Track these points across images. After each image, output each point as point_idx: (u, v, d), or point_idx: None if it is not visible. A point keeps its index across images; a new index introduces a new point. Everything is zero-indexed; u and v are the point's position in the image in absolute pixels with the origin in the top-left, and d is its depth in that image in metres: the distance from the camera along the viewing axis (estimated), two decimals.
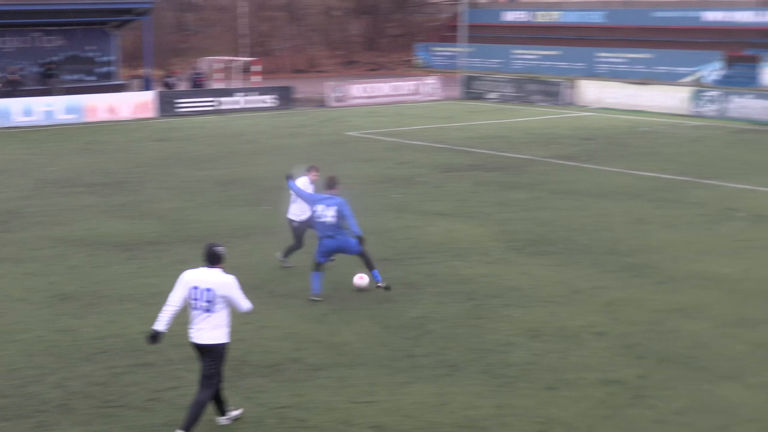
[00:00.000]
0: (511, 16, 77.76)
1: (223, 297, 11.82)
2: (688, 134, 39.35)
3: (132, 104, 47.50)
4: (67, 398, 13.04)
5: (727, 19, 63.34)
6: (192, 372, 13.86)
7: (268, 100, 50.78)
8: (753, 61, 57.56)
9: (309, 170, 19.08)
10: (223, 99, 49.86)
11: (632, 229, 22.46)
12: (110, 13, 53.16)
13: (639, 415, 12.32)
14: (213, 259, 12.06)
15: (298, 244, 19.39)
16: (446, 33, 79.93)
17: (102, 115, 46.33)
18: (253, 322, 16.08)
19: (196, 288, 11.90)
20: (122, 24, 55.14)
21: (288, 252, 19.64)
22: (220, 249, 12.07)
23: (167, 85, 52.59)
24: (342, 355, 14.57)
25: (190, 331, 12.02)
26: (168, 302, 12.05)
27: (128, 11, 52.97)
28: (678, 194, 26.57)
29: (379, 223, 23.20)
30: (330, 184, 17.55)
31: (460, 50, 60.92)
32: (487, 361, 14.24)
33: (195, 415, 11.65)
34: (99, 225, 23.70)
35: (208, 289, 11.83)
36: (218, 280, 11.84)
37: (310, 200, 17.63)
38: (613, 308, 16.63)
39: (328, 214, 17.10)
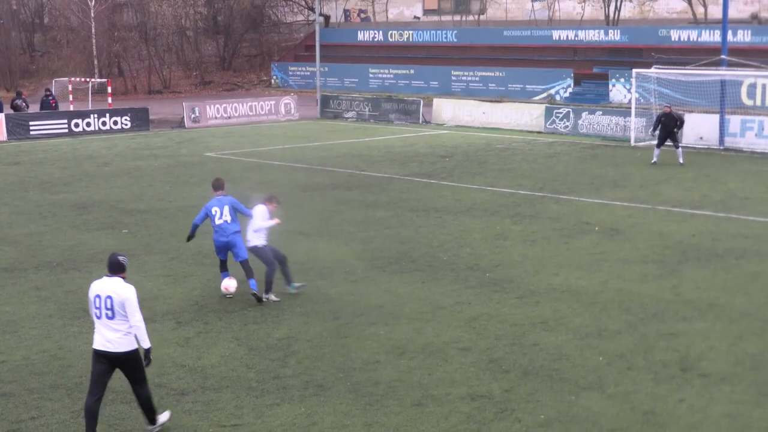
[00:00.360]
0: (365, 36, 78.28)
1: (122, 305, 12.00)
2: (542, 150, 40.18)
3: None
4: None
5: (576, 38, 64.96)
6: (53, 401, 13.53)
7: (123, 121, 49.97)
8: (602, 79, 59.18)
9: (269, 200, 19.09)
10: (76, 121, 48.85)
11: (492, 245, 22.79)
12: None
13: (506, 428, 12.48)
14: (114, 268, 12.24)
15: (273, 263, 18.65)
16: (302, 53, 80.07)
17: None
18: None
19: (98, 296, 12.09)
20: None
21: (286, 276, 18.98)
22: (122, 258, 12.25)
23: (15, 108, 51.23)
24: (207, 378, 14.40)
25: (97, 340, 12.20)
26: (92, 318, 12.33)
27: None
28: (535, 209, 27.09)
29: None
30: (217, 186, 18.85)
31: (315, 69, 61.01)
32: (354, 379, 14.25)
33: (150, 407, 12.36)
34: None
35: (109, 297, 12.01)
36: (119, 289, 12.06)
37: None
38: (477, 323, 16.83)
39: (224, 212, 18.42)
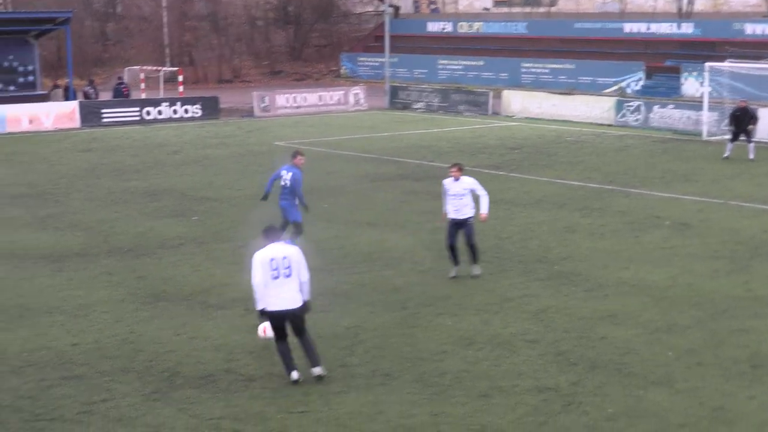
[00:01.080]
0: (435, 27, 78.12)
1: (297, 264, 13.63)
2: (612, 144, 39.85)
3: (54, 114, 46.85)
4: None
5: (648, 31, 64.29)
6: (124, 384, 13.73)
7: (194, 110, 50.42)
8: (674, 72, 58.50)
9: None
10: (147, 109, 49.41)
11: (560, 238, 22.68)
12: (30, 22, 52.40)
13: (573, 421, 12.44)
14: (275, 235, 13.90)
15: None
16: (371, 43, 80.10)
17: (24, 126, 45.65)
18: (184, 333, 15.99)
19: (274, 259, 13.54)
20: (42, 33, 54.39)
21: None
22: (276, 226, 14.57)
23: (85, 95, 51.93)
24: (275, 365, 14.48)
25: (274, 302, 13.47)
26: (256, 285, 13.49)
27: (48, 20, 52.25)
28: (604, 203, 26.89)
29: (308, 232, 23.09)
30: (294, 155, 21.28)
31: (385, 60, 61.00)
32: (420, 369, 14.27)
33: (313, 348, 13.85)
34: (24, 237, 23.35)
35: (285, 257, 13.60)
36: (290, 251, 13.74)
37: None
38: (545, 316, 16.77)
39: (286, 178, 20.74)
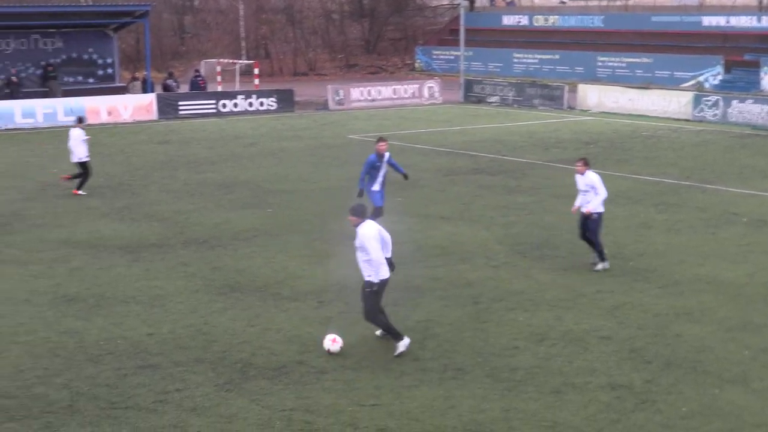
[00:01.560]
0: (510, 20, 77.80)
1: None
2: (689, 139, 39.37)
3: (132, 107, 47.48)
4: (74, 399, 13.04)
5: (726, 24, 63.38)
6: (198, 374, 13.88)
7: (269, 102, 50.75)
8: (753, 66, 57.58)
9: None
10: (224, 101, 49.84)
11: (635, 233, 22.46)
12: (109, 15, 53.15)
13: (646, 419, 12.31)
14: (366, 212, 14.90)
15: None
16: (446, 36, 79.91)
17: (102, 118, 46.32)
18: (257, 325, 16.11)
19: (382, 236, 14.83)
20: (121, 26, 55.13)
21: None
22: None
23: (166, 88, 52.56)
24: (347, 358, 14.56)
25: (385, 271, 14.52)
26: (378, 257, 14.47)
27: (127, 14, 52.92)
28: (680, 198, 26.58)
29: (382, 226, 23.15)
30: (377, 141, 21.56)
31: (459, 54, 60.84)
32: (493, 364, 14.23)
33: (386, 323, 14.80)
34: (101, 227, 23.70)
35: (380, 230, 14.90)
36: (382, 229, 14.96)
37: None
38: (619, 312, 16.62)
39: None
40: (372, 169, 21.40)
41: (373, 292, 14.53)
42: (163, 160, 34.74)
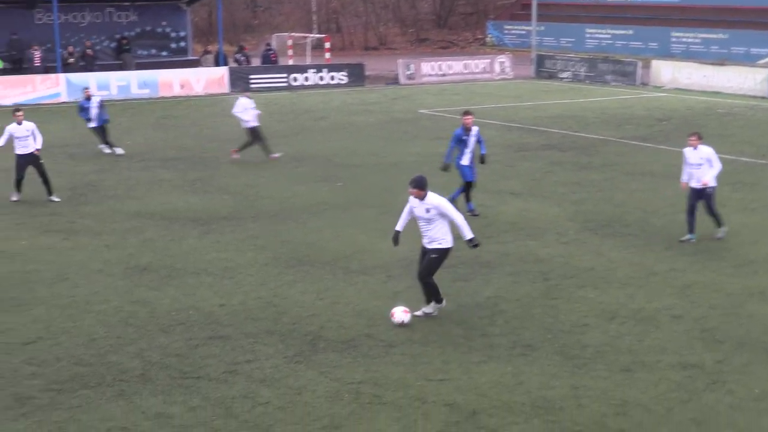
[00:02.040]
0: None
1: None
2: (765, 116, 38.73)
3: (205, 80, 47.85)
4: (146, 368, 13.22)
5: None
6: (268, 346, 13.98)
7: (340, 76, 50.82)
8: None
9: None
10: (294, 75, 49.99)
11: None
12: None
13: (717, 400, 12.17)
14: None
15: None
16: (518, 11, 79.34)
17: (175, 91, 46.74)
18: (327, 298, 16.18)
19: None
20: (194, 0, 55.48)
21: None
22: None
23: (237, 62, 52.86)
24: (415, 332, 14.58)
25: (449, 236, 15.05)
26: (462, 218, 15.07)
27: None
28: (756, 177, 26.18)
29: (473, 201, 23.14)
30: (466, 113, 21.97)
31: (531, 29, 60.37)
32: (562, 341, 14.16)
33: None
34: (173, 199, 23.95)
35: None
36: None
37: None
38: (690, 291, 16.43)
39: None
40: (459, 143, 21.64)
41: (444, 258, 14.98)
42: (235, 132, 34.90)
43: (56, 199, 23.81)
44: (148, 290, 16.68)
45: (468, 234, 14.86)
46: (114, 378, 12.90)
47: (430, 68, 53.73)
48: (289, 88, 49.19)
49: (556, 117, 38.49)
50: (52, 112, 40.95)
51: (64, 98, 44.28)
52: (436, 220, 14.74)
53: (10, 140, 23.81)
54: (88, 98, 30.55)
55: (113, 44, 51.24)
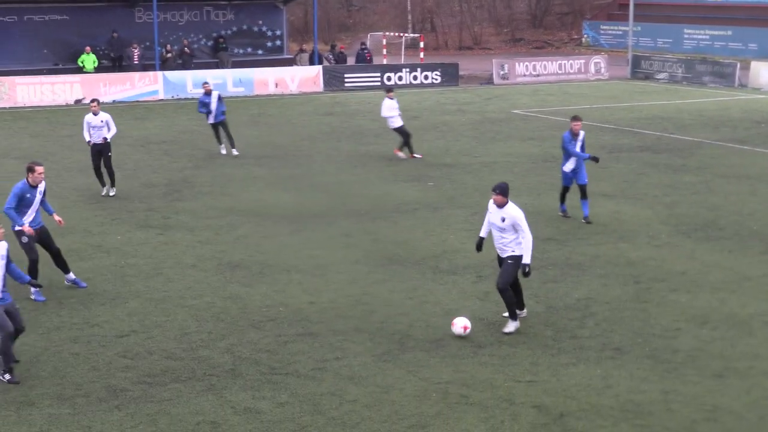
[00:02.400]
0: None
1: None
2: None
3: (299, 78, 48.23)
4: (236, 363, 13.40)
5: None
6: (356, 344, 14.07)
7: (434, 76, 50.82)
8: None
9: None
10: (388, 74, 50.12)
11: None
12: None
13: None
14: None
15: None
16: (614, 11, 78.49)
17: (270, 89, 47.22)
18: (416, 297, 16.23)
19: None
20: None
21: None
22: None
23: (327, 60, 53.19)
24: (504, 333, 14.54)
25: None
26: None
27: None
28: None
29: (543, 202, 23.05)
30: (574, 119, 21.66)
31: (628, 29, 59.68)
32: (653, 345, 14.01)
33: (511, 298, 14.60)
34: (266, 196, 24.21)
35: None
36: None
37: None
38: None
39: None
40: (566, 147, 21.45)
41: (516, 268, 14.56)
42: (328, 131, 35.20)
43: (112, 194, 24.43)
44: (239, 286, 16.90)
45: (527, 258, 14.43)
46: (204, 372, 13.10)
47: (525, 68, 53.45)
48: (383, 87, 49.26)
49: (651, 118, 38.02)
50: (150, 109, 41.69)
51: (161, 96, 45.03)
52: (509, 231, 14.50)
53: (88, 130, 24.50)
54: (208, 93, 30.05)
55: (210, 42, 51.91)
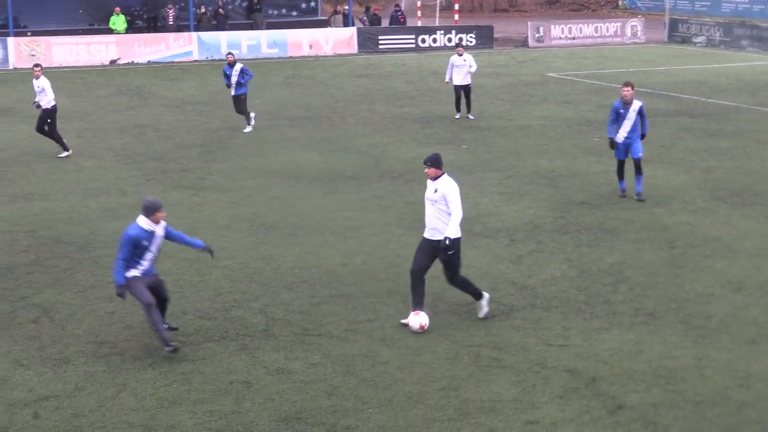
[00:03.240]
0: None
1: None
2: None
3: (333, 40, 48.12)
4: (269, 324, 13.46)
5: None
6: (389, 306, 14.10)
7: (468, 38, 50.54)
8: None
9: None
10: (423, 37, 49.91)
11: None
12: None
13: None
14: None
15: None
16: None
17: (304, 51, 47.14)
18: None
19: None
20: None
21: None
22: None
23: (361, 21, 53.02)
24: (537, 297, 14.53)
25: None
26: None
27: None
28: None
29: (578, 166, 22.94)
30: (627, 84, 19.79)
31: None
32: (686, 311, 13.95)
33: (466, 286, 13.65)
34: (300, 158, 24.22)
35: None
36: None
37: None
38: None
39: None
40: (617, 117, 19.81)
41: (459, 252, 13.42)
42: (362, 93, 35.14)
43: (62, 156, 24.57)
44: (272, 247, 16.95)
45: (450, 232, 13.12)
46: (237, 332, 13.17)
47: (560, 31, 53.07)
48: (417, 49, 49.14)
49: (687, 82, 37.70)
50: (184, 70, 41.76)
51: (195, 56, 45.09)
52: (442, 203, 13.21)
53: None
54: (231, 64, 27.69)
55: (245, 3, 51.80)
